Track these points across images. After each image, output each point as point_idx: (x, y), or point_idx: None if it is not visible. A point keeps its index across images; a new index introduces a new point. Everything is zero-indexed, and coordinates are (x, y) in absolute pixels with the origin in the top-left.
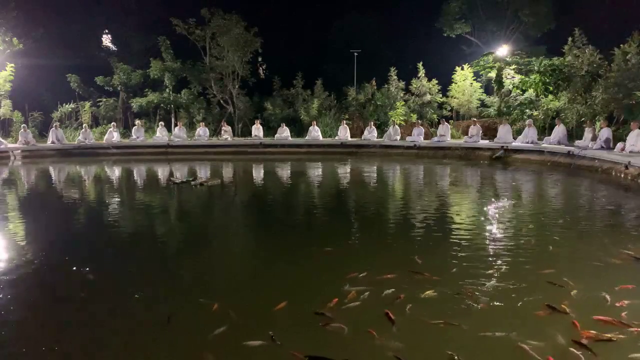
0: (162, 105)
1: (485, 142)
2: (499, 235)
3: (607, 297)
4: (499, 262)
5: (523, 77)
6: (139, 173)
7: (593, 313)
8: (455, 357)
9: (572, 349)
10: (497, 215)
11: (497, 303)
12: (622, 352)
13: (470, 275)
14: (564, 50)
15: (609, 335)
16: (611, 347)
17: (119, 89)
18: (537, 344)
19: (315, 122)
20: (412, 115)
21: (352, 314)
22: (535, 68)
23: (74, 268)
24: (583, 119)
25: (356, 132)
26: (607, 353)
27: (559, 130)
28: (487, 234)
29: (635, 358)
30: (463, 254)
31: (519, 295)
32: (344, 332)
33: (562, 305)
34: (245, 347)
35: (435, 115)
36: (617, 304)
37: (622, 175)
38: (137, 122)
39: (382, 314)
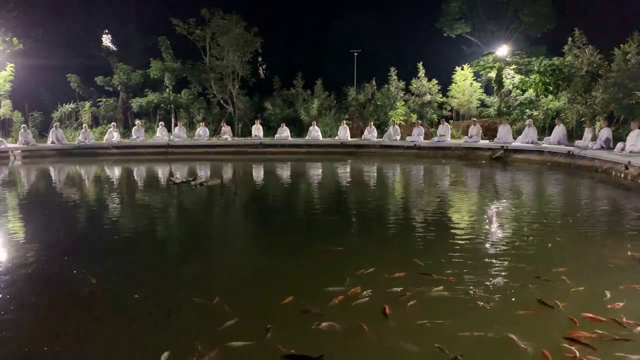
0: (162, 105)
1: (485, 142)
2: (501, 236)
3: (607, 296)
4: (502, 261)
5: (523, 77)
6: (139, 173)
7: (592, 312)
8: (459, 357)
9: (565, 344)
10: (498, 215)
11: (500, 302)
12: (612, 350)
13: (470, 274)
14: (564, 50)
15: (600, 332)
16: (603, 346)
17: (119, 89)
18: (534, 342)
19: (315, 122)
20: (412, 115)
21: (348, 311)
22: (535, 68)
23: (74, 268)
24: (583, 119)
25: (356, 132)
26: (601, 351)
27: (559, 130)
28: (489, 234)
29: (624, 357)
30: (464, 254)
31: (521, 295)
32: (335, 329)
33: (562, 304)
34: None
35: (435, 115)
36: (616, 304)
37: (622, 175)
38: (137, 122)
39: (376, 313)
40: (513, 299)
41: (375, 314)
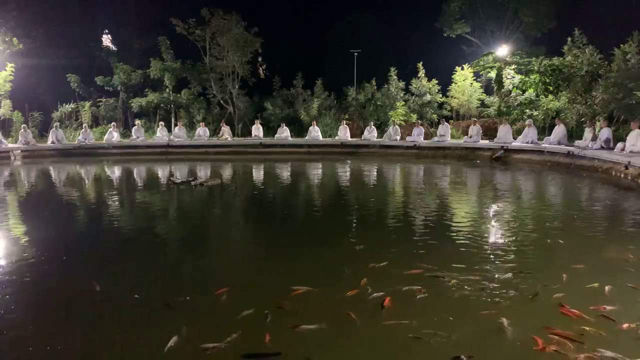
0: (162, 105)
1: (485, 142)
2: (504, 237)
3: (606, 296)
4: (504, 261)
5: (523, 77)
6: (139, 173)
7: (592, 311)
8: (463, 357)
9: (555, 337)
10: (500, 216)
11: (502, 300)
12: (609, 348)
13: (470, 272)
14: (564, 50)
15: (593, 330)
16: (598, 344)
17: (119, 89)
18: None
19: (315, 122)
20: (412, 115)
21: (350, 306)
22: (535, 68)
23: (74, 267)
24: (583, 119)
25: (356, 132)
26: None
27: (559, 130)
28: (492, 235)
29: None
30: (467, 253)
31: (522, 294)
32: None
33: (561, 303)
34: (231, 327)
35: (435, 115)
36: (614, 304)
37: (622, 175)
38: (137, 122)
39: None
40: (514, 298)
41: (377, 308)
